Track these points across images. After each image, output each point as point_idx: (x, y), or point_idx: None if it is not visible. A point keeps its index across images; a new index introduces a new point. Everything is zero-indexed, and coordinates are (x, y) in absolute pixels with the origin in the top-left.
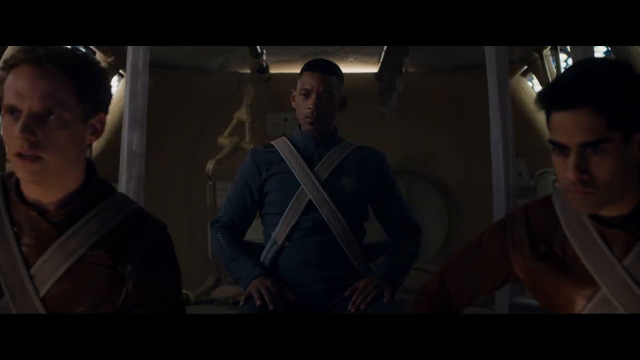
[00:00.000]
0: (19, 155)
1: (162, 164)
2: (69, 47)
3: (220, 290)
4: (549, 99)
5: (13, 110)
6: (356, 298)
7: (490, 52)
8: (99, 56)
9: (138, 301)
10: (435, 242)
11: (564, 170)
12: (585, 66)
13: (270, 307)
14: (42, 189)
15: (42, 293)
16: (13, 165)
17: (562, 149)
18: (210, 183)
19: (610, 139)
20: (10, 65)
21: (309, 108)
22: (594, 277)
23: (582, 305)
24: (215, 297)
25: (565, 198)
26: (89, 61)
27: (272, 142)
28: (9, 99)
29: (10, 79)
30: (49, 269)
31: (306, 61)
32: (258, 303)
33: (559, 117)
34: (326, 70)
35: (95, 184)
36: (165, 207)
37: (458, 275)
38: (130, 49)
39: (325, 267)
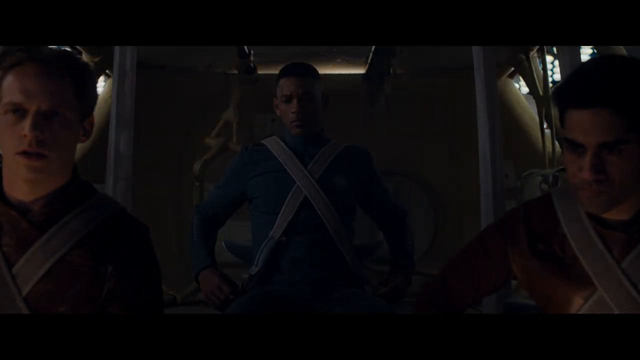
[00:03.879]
0: (24, 152)
1: (148, 164)
2: (63, 48)
3: None
4: (568, 96)
5: (17, 109)
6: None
7: (477, 52)
8: (85, 56)
9: (118, 300)
10: (422, 244)
11: (577, 168)
12: (605, 64)
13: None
14: (29, 188)
15: (24, 292)
16: (14, 163)
17: (577, 147)
18: (197, 184)
19: (628, 141)
20: (12, 64)
21: (293, 112)
22: (591, 278)
23: (579, 305)
24: (201, 298)
25: (566, 197)
26: (84, 63)
27: (263, 141)
28: (14, 97)
29: (12, 77)
30: (31, 269)
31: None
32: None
33: (576, 115)
34: (301, 73)
35: (77, 184)
36: (152, 208)
37: (460, 275)
38: (117, 49)
39: (316, 266)
